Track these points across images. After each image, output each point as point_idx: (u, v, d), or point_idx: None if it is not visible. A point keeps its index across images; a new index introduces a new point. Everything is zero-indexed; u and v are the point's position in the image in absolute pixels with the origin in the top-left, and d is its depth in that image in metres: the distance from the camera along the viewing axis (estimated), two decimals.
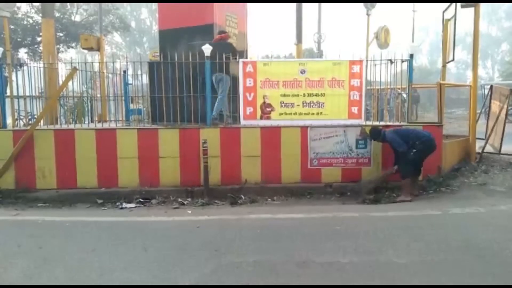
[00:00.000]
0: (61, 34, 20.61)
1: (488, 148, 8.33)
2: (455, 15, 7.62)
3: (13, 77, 7.72)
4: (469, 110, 8.18)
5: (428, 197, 6.40)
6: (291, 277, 3.46)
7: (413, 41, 29.59)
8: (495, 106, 8.20)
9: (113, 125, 7.45)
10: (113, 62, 7.77)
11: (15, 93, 7.51)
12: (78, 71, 7.22)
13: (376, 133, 6.48)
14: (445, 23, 8.16)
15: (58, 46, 21.07)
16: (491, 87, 8.62)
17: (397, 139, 6.21)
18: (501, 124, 7.84)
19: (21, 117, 9.15)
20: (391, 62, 7.09)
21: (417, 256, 3.88)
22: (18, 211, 5.92)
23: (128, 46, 41.45)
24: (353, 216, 5.40)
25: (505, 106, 7.75)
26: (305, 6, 14.67)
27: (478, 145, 8.36)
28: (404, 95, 16.07)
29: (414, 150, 6.12)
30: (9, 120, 7.70)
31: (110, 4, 23.96)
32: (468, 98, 8.79)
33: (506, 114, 7.82)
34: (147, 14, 43.19)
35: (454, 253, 3.94)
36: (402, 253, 3.96)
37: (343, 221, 5.16)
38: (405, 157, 6.16)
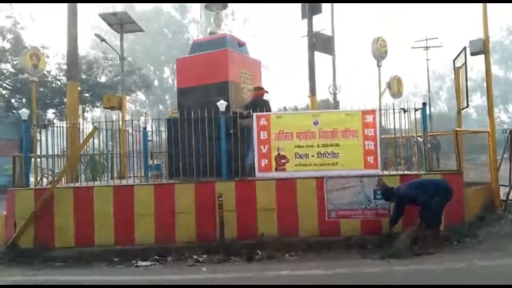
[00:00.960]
0: (87, 95, 21.66)
1: None
2: (465, 63, 7.69)
3: (41, 137, 8.07)
4: (488, 156, 7.97)
5: (452, 248, 6.11)
6: None
7: (429, 89, 29.79)
8: None
9: (131, 181, 7.56)
10: (132, 120, 8.03)
11: (40, 152, 7.80)
12: (100, 130, 7.50)
13: (388, 193, 6.33)
14: (456, 70, 8.22)
15: (84, 106, 22.11)
16: (510, 131, 8.44)
17: (414, 191, 6.07)
18: None
19: (45, 175, 9.45)
20: (404, 111, 7.11)
21: None
22: (35, 271, 5.92)
23: (152, 103, 43.01)
24: (374, 271, 5.18)
25: None
26: (319, 58, 15.16)
27: (503, 191, 8.06)
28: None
29: (437, 199, 5.96)
30: (33, 179, 7.97)
31: (133, 65, 25.30)
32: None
33: None
34: (169, 73, 45.13)
35: None
36: None
37: (363, 277, 4.98)
38: (429, 207, 5.97)
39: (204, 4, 10.29)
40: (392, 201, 6.39)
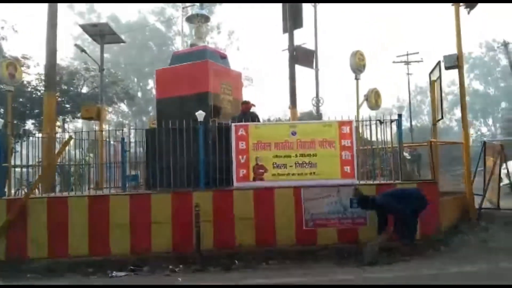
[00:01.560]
0: (67, 106, 21.40)
1: (487, 204, 8.20)
2: (440, 76, 7.91)
3: (21, 148, 7.94)
4: (463, 167, 8.17)
5: (426, 256, 6.19)
6: None
7: (410, 103, 30.37)
8: (490, 161, 8.22)
9: (106, 191, 7.48)
10: (109, 130, 7.98)
11: (19, 163, 7.67)
12: (79, 140, 7.44)
13: (363, 202, 6.37)
14: (432, 84, 8.44)
15: (64, 116, 21.82)
16: (484, 143, 8.69)
17: (388, 199, 6.19)
18: (496, 180, 7.80)
19: (22, 186, 9.26)
20: (381, 123, 7.26)
21: None
22: (6, 283, 5.77)
23: (134, 114, 42.66)
24: (348, 278, 5.22)
25: (498, 162, 7.77)
26: (303, 70, 15.36)
27: (478, 201, 8.25)
28: (406, 155, 16.12)
29: (411, 209, 6.07)
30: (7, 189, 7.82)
31: (116, 76, 25.17)
32: (473, 156, 8.86)
33: (500, 169, 7.80)
34: (153, 84, 44.95)
35: None
36: None
37: (338, 284, 4.98)
38: (403, 217, 6.08)
39: (186, 17, 10.39)
40: (368, 209, 6.46)
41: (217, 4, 35.28)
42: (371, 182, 7.23)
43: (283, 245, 6.62)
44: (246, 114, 7.97)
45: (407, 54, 31.46)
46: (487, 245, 6.52)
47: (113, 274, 6.02)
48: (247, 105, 8.27)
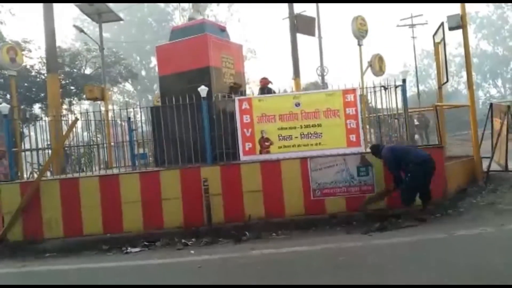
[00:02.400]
0: (72, 87, 21.43)
1: (496, 167, 8.18)
2: (443, 38, 7.74)
3: (29, 132, 8.05)
4: (471, 129, 8.11)
5: (434, 220, 6.25)
6: None
7: (416, 67, 29.83)
8: (497, 123, 8.14)
9: (116, 171, 7.59)
10: (113, 110, 8.02)
11: (29, 147, 7.79)
12: (86, 121, 7.50)
13: (374, 149, 6.58)
14: (435, 46, 8.28)
15: (70, 99, 21.89)
16: (491, 105, 8.58)
17: (391, 159, 6.25)
18: (504, 141, 7.74)
19: (35, 170, 9.43)
20: (385, 89, 7.19)
21: (419, 282, 3.77)
22: (25, 262, 5.97)
23: (140, 93, 42.63)
24: (357, 245, 5.32)
25: (505, 122, 7.69)
26: (307, 41, 15.14)
27: (486, 164, 8.23)
28: (415, 121, 15.96)
29: (409, 175, 6.08)
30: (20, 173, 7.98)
31: (118, 55, 25.01)
32: (483, 118, 8.80)
33: (507, 130, 7.73)
34: (156, 62, 44.71)
35: (458, 277, 3.82)
36: (403, 280, 3.86)
37: (346, 251, 5.09)
38: (396, 179, 6.24)
39: None
40: (377, 157, 6.56)
41: None
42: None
43: (292, 216, 6.71)
44: (264, 89, 8.29)
45: (411, 17, 30.72)
46: (494, 207, 6.54)
47: (127, 250, 6.19)
48: (265, 81, 8.78)
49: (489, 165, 8.01)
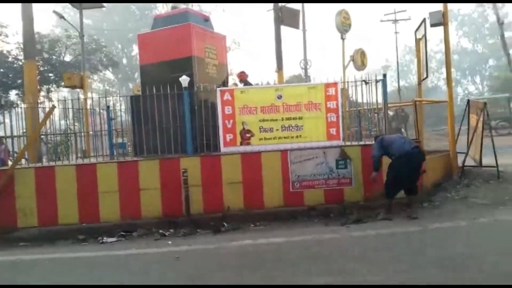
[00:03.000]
0: (51, 74, 20.91)
1: (471, 162, 8.38)
2: (425, 34, 7.85)
3: (4, 119, 7.83)
4: (448, 125, 8.27)
5: (409, 214, 6.36)
6: None
7: (397, 62, 30.20)
8: (473, 119, 8.31)
9: (94, 160, 7.47)
10: (92, 98, 7.86)
11: (5, 134, 7.59)
12: (64, 109, 7.34)
13: (375, 139, 6.61)
14: (417, 42, 8.38)
15: (48, 86, 21.37)
16: (468, 101, 8.76)
17: (377, 146, 6.29)
18: (479, 137, 7.93)
19: (10, 157, 9.20)
20: (366, 83, 7.25)
21: (391, 274, 3.85)
22: None
23: (121, 82, 41.93)
24: (333, 237, 5.39)
25: (481, 119, 7.87)
26: (291, 34, 15.11)
27: (462, 159, 8.42)
28: (391, 114, 16.20)
29: (391, 168, 6.16)
30: None
31: (99, 43, 24.49)
32: (461, 114, 8.95)
33: (483, 127, 7.92)
34: (137, 50, 43.94)
35: (429, 269, 3.92)
36: (377, 271, 3.94)
37: (323, 242, 5.16)
38: (377, 169, 6.26)
39: None
40: None
41: None
42: (356, 143, 7.31)
43: (271, 207, 6.75)
44: (241, 82, 8.11)
45: (395, 12, 31.02)
46: (468, 201, 6.71)
47: (104, 240, 6.12)
48: (243, 75, 8.93)
49: (464, 160, 8.20)
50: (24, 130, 8.00)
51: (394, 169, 6.12)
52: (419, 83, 8.67)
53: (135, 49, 44.02)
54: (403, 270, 3.89)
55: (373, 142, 6.57)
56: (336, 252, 4.66)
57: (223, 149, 6.99)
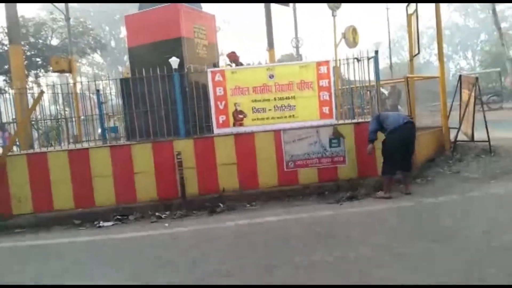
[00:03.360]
0: (38, 59, 20.52)
1: (463, 137, 8.45)
2: (416, 10, 7.77)
3: None
4: (440, 101, 8.29)
5: (402, 189, 6.44)
6: (260, 281, 3.47)
7: (389, 39, 30.02)
8: (465, 94, 8.34)
9: (86, 145, 7.41)
10: (81, 82, 7.75)
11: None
12: (53, 94, 7.24)
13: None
14: (408, 17, 8.31)
15: (36, 71, 21.01)
16: (460, 76, 8.77)
17: (372, 122, 6.27)
18: (471, 112, 7.97)
19: (0, 145, 9.09)
20: (358, 60, 7.20)
21: (388, 249, 3.91)
22: None
23: (110, 65, 41.36)
24: (328, 214, 5.45)
25: (473, 94, 7.90)
26: (282, 13, 14.91)
27: (454, 134, 8.48)
28: (385, 91, 16.23)
29: (385, 144, 6.15)
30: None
31: (86, 25, 23.99)
32: (452, 90, 8.97)
33: (475, 102, 7.96)
34: (125, 32, 43.14)
35: (423, 243, 3.99)
36: (372, 247, 4.00)
37: (318, 220, 5.21)
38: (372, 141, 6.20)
39: None
40: None
41: None
42: (349, 121, 7.32)
43: (266, 187, 6.78)
44: (232, 62, 8.33)
45: None
46: (460, 176, 6.81)
47: (100, 224, 6.13)
48: (233, 55, 8.80)
49: (456, 136, 8.27)
50: (14, 117, 7.89)
51: (387, 144, 6.09)
52: (411, 59, 8.64)
53: (123, 31, 43.28)
54: (398, 245, 3.96)
55: (367, 120, 6.56)
56: (331, 229, 4.72)
57: (216, 130, 6.96)
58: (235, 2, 29.86)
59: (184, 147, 6.67)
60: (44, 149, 7.09)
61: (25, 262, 4.65)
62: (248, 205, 6.46)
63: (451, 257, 3.58)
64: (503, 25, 27.42)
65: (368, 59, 7.17)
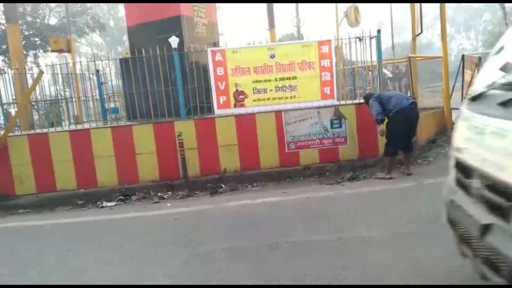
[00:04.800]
0: (36, 39, 20.29)
1: None
2: None
3: None
4: (442, 81, 8.24)
5: (403, 170, 6.46)
6: (261, 259, 3.51)
7: (391, 19, 29.55)
8: (468, 75, 8.28)
9: (87, 125, 7.40)
10: (80, 62, 7.68)
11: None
12: (54, 74, 7.20)
13: (366, 98, 6.34)
14: None
15: (35, 51, 20.79)
16: (463, 56, 8.68)
17: (374, 104, 5.98)
18: None
19: (1, 126, 9.09)
20: (360, 40, 7.11)
21: (387, 229, 3.94)
22: None
23: (109, 45, 40.94)
24: (328, 195, 5.48)
25: (475, 74, 7.84)
26: None
27: (456, 115, 8.44)
28: (387, 72, 16.10)
29: (389, 126, 6.04)
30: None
31: (82, 5, 23.61)
32: (455, 70, 8.87)
33: None
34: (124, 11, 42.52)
35: (424, 224, 4.00)
36: (373, 227, 4.03)
37: (318, 200, 5.24)
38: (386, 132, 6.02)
39: None
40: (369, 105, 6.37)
41: None
42: (350, 102, 7.28)
43: (267, 168, 6.81)
44: None
45: None
46: None
47: (103, 204, 6.19)
48: None
49: (457, 116, 8.22)
50: (14, 97, 7.85)
51: (392, 125, 5.96)
52: (414, 39, 8.53)
53: (122, 10, 42.64)
54: (399, 226, 3.99)
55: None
56: (332, 210, 4.75)
57: (217, 111, 6.94)
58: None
59: (185, 128, 6.66)
60: (45, 130, 7.09)
61: (29, 242, 4.71)
62: (249, 186, 6.50)
63: (450, 237, 3.61)
64: (507, 4, 26.89)
65: (370, 38, 7.08)
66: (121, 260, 3.81)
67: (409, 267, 3.09)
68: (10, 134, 6.78)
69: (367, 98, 6.40)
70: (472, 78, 7.98)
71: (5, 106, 7.40)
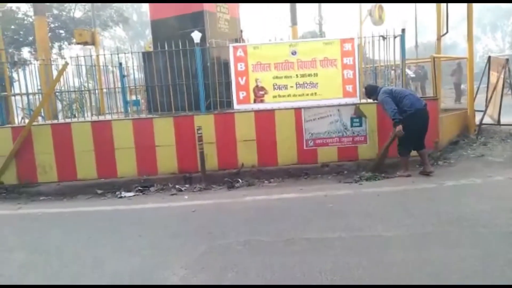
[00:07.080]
0: (62, 31, 20.70)
1: (488, 120, 8.23)
2: None
3: (17, 76, 7.86)
4: (467, 83, 8.06)
5: (423, 169, 6.35)
6: (277, 253, 3.52)
7: (416, 18, 29.01)
8: (493, 77, 8.07)
9: (108, 117, 7.53)
10: (104, 55, 7.81)
11: (20, 91, 7.64)
12: (78, 66, 7.35)
13: (371, 89, 6.29)
14: None
15: (60, 43, 21.21)
16: (489, 58, 8.46)
17: (388, 99, 5.89)
18: (499, 95, 7.73)
19: (26, 114, 9.33)
20: (383, 38, 7.01)
21: (405, 229, 3.90)
22: (21, 205, 6.07)
23: (131, 39, 41.49)
24: (346, 193, 5.43)
25: (502, 76, 7.64)
26: None
27: (479, 117, 8.27)
28: (410, 72, 15.86)
29: (405, 124, 5.93)
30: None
31: None
32: (479, 72, 8.69)
33: (504, 85, 7.70)
34: (148, 6, 42.96)
35: (443, 225, 3.95)
36: (391, 227, 3.99)
37: (336, 199, 5.20)
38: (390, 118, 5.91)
39: None
40: (371, 98, 6.45)
41: None
42: (371, 100, 7.18)
43: (284, 165, 6.79)
44: None
45: None
46: (483, 159, 6.66)
47: (122, 194, 6.29)
48: None
49: (482, 118, 8.06)
50: (39, 87, 8.04)
51: (407, 128, 5.83)
52: (439, 39, 8.35)
53: (145, 5, 43.10)
54: (417, 226, 3.94)
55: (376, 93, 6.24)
56: (349, 208, 4.71)
57: (236, 106, 6.95)
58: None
59: (205, 122, 6.70)
60: (68, 120, 7.23)
61: (52, 228, 4.83)
62: (266, 182, 6.50)
63: (468, 240, 3.55)
64: None
65: (395, 37, 6.97)
66: (139, 250, 3.87)
67: (425, 268, 3.05)
68: (34, 123, 6.94)
69: (371, 89, 6.31)
70: (498, 80, 7.78)
71: (30, 96, 7.55)
